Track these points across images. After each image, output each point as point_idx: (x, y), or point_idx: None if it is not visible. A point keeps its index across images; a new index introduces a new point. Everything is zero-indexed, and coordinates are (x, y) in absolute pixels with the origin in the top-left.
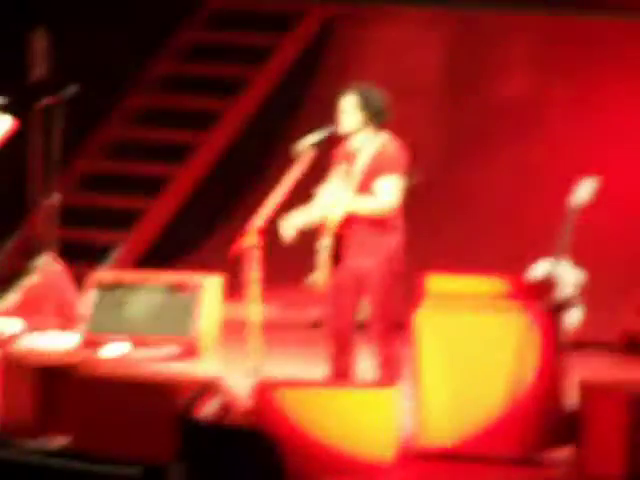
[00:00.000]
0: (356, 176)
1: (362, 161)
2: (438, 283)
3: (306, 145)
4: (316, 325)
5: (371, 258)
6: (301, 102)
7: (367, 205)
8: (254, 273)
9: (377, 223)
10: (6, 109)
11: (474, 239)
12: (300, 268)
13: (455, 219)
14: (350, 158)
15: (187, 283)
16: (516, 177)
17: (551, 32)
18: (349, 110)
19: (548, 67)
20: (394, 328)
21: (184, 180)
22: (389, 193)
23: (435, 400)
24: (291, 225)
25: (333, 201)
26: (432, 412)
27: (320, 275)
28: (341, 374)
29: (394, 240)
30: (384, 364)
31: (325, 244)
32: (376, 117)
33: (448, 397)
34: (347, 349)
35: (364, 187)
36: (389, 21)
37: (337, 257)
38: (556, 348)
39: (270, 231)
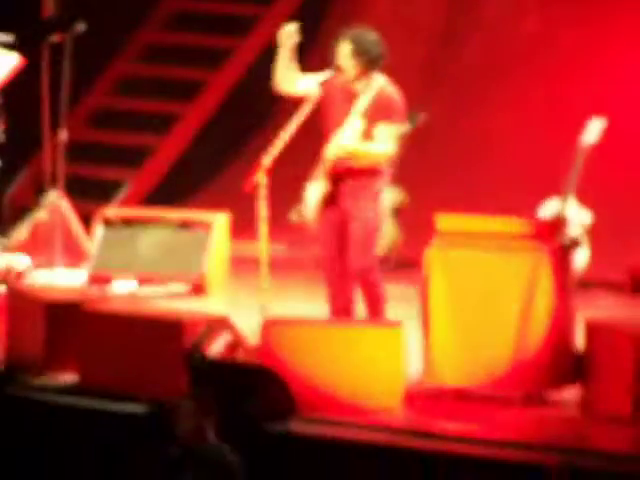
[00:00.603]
0: (354, 120)
1: (360, 106)
2: (449, 222)
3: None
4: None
5: (361, 200)
6: (310, 42)
7: (366, 149)
8: (262, 211)
9: (369, 167)
10: (14, 46)
11: (483, 180)
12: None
13: (465, 161)
14: (348, 101)
15: (196, 220)
16: (525, 117)
17: None
18: (344, 57)
19: (556, 5)
20: (378, 270)
21: (194, 118)
22: (388, 140)
23: (444, 339)
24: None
25: (331, 141)
26: (441, 351)
27: (304, 210)
28: (340, 312)
29: (382, 185)
30: (369, 304)
31: (317, 182)
32: (371, 63)
33: (457, 336)
34: (344, 287)
35: (362, 131)
36: None
37: (329, 197)
38: (567, 287)
39: (275, 170)
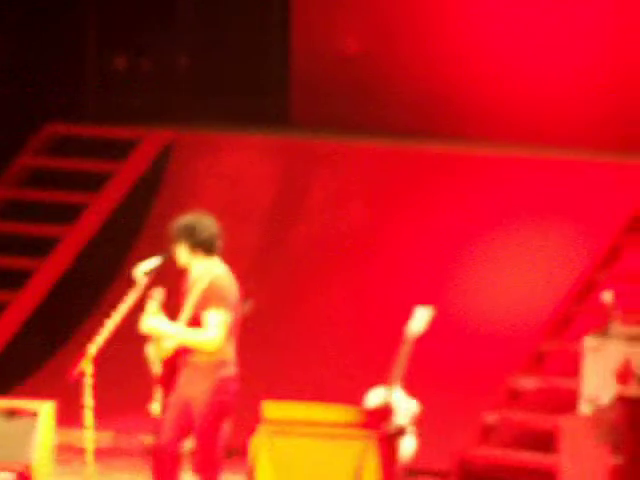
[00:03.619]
0: (188, 307)
1: (195, 292)
2: (275, 409)
3: (140, 273)
4: (149, 451)
5: (200, 388)
6: (140, 228)
7: (192, 338)
8: (87, 400)
9: (207, 354)
10: None
11: (309, 367)
12: (139, 395)
13: (291, 348)
14: (188, 288)
15: (21, 409)
16: (351, 306)
17: (385, 160)
18: (175, 242)
19: (382, 195)
20: (219, 459)
21: (20, 307)
22: (214, 326)
23: None
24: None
25: (163, 332)
26: None
27: (159, 404)
28: None
29: (223, 372)
30: None
31: (157, 373)
32: (201, 247)
33: None
34: (171, 474)
35: (194, 318)
36: (225, 147)
37: (170, 386)
38: (393, 475)
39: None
